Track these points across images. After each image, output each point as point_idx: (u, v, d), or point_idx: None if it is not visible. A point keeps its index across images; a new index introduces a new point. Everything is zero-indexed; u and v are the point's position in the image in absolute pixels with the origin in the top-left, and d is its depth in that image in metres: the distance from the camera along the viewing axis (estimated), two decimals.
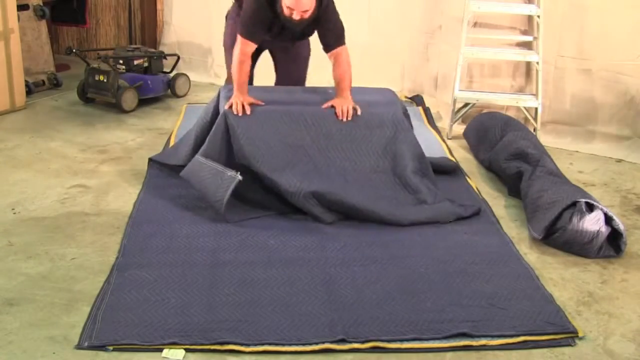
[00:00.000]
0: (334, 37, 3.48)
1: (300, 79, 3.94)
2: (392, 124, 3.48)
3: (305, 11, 3.25)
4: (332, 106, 3.46)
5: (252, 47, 3.44)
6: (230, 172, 3.15)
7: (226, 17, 3.91)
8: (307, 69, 3.96)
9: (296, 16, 3.25)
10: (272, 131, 3.36)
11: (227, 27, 3.85)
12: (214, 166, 3.22)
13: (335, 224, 3.17)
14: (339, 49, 3.49)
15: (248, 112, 3.35)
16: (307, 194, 3.17)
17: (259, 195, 3.31)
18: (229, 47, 3.75)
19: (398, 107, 3.61)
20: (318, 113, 3.45)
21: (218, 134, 3.36)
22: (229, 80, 3.82)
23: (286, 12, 3.26)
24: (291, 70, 3.90)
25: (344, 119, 3.42)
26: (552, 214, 3.03)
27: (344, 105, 3.44)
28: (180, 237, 3.00)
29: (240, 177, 3.12)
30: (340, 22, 3.50)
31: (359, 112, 3.45)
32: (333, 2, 3.44)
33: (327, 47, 3.51)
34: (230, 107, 3.35)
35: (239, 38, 3.44)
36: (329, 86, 3.95)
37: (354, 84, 3.55)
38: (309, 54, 3.90)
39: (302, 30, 3.44)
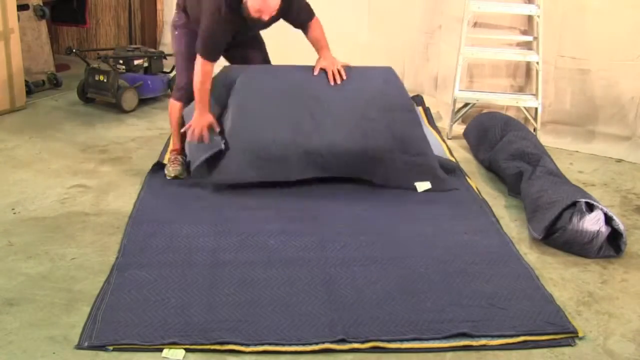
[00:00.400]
0: (306, 15, 3.59)
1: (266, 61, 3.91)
2: (382, 77, 3.70)
3: (274, 10, 3.28)
4: (322, 70, 3.58)
5: (212, 66, 3.41)
6: (217, 137, 3.37)
7: (172, 25, 3.74)
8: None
9: (265, 17, 3.26)
10: (271, 89, 3.56)
11: (177, 37, 3.69)
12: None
13: (335, 224, 3.17)
14: (312, 22, 3.60)
15: (206, 140, 3.41)
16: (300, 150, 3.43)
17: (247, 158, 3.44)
18: (182, 54, 3.64)
19: (392, 74, 3.81)
20: (313, 76, 3.62)
21: (219, 88, 3.52)
22: (177, 89, 3.72)
23: (255, 15, 3.25)
24: (256, 56, 3.83)
25: (338, 82, 3.56)
26: (552, 214, 3.03)
27: (333, 68, 3.56)
28: (180, 237, 3.00)
29: (223, 147, 3.34)
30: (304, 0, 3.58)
31: (345, 72, 3.61)
32: None
33: (302, 25, 3.61)
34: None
35: (199, 58, 3.37)
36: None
37: None
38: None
39: (270, 22, 3.45)
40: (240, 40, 3.63)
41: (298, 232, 3.08)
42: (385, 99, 3.63)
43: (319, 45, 3.63)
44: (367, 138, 3.50)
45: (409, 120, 3.67)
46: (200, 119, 3.44)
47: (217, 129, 3.47)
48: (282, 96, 3.56)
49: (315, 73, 3.60)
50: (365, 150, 3.49)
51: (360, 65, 3.79)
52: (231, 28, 3.37)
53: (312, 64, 3.67)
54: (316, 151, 3.45)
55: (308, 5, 3.60)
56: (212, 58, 3.40)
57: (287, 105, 3.54)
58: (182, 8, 3.66)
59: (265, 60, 3.87)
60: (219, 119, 3.55)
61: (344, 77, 3.59)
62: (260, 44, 3.84)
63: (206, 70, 3.39)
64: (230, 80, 3.58)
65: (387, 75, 3.77)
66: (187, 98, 3.64)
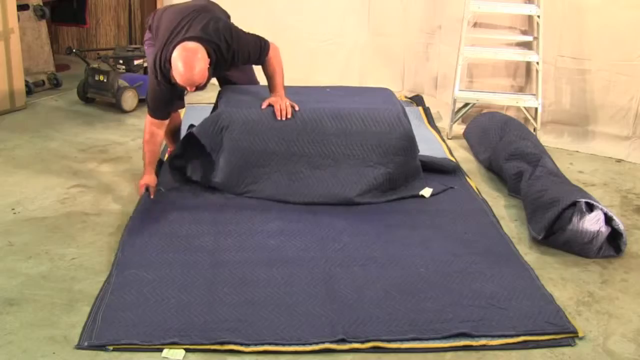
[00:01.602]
0: (257, 55, 3.36)
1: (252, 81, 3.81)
2: (387, 120, 3.49)
3: (199, 84, 3.13)
4: (270, 105, 3.42)
5: (162, 123, 3.34)
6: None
7: (144, 41, 3.69)
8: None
9: (191, 89, 3.14)
10: (268, 127, 3.40)
11: (148, 56, 3.57)
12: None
13: (335, 225, 3.17)
14: (267, 58, 3.39)
15: (152, 196, 3.32)
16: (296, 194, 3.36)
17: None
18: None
19: (396, 105, 3.63)
20: (314, 110, 3.46)
21: (210, 125, 3.43)
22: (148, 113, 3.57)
23: (181, 84, 3.12)
24: (239, 77, 3.73)
25: (283, 118, 3.38)
26: (552, 214, 3.03)
27: (281, 103, 3.40)
28: (180, 237, 3.00)
29: (162, 190, 3.38)
30: (252, 38, 3.34)
31: (296, 109, 3.43)
32: (231, 30, 3.27)
33: (253, 63, 3.49)
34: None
35: (147, 116, 3.33)
36: (326, 85, 3.96)
37: (353, 84, 3.57)
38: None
39: (223, 72, 3.45)
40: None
41: (298, 231, 3.08)
42: (390, 143, 3.47)
43: (272, 83, 3.44)
44: (363, 183, 3.42)
45: (410, 167, 3.56)
46: (144, 178, 3.35)
47: (152, 196, 3.34)
48: (278, 142, 3.40)
49: (264, 106, 3.42)
50: (361, 193, 3.41)
51: (366, 89, 3.68)
52: (170, 91, 3.27)
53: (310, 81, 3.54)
54: (311, 201, 3.38)
55: (259, 43, 3.35)
56: (157, 116, 3.32)
57: (284, 153, 3.42)
58: (149, 27, 3.58)
59: (251, 80, 3.77)
60: (211, 157, 3.46)
61: (289, 116, 3.39)
62: (247, 68, 3.72)
63: (152, 130, 3.31)
64: (221, 124, 3.42)
65: (394, 117, 3.52)
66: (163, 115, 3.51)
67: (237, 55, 3.29)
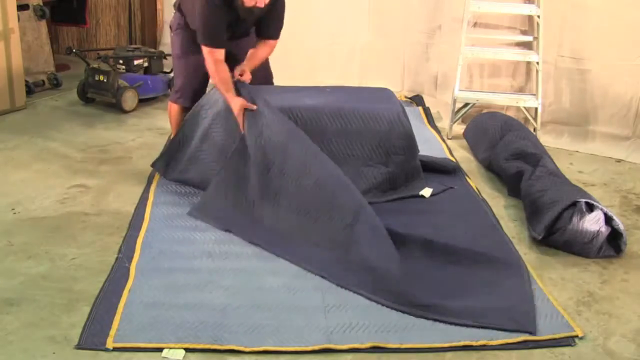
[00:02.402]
0: (276, 30, 3.51)
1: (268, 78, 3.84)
2: (387, 120, 3.48)
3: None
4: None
5: (221, 53, 3.33)
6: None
7: (170, 27, 3.73)
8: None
9: (260, 4, 3.22)
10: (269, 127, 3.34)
11: (172, 39, 3.69)
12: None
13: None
14: (273, 41, 3.53)
15: (254, 107, 3.27)
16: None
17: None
18: (177, 56, 3.65)
19: (395, 105, 3.62)
20: (314, 110, 3.44)
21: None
22: (174, 91, 3.70)
23: (248, 3, 3.21)
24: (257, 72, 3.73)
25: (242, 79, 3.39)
26: (552, 214, 3.03)
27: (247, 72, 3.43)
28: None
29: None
30: (283, 20, 3.52)
31: (247, 78, 3.42)
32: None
33: (266, 35, 3.53)
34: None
35: (205, 49, 3.32)
36: (326, 85, 3.95)
37: (353, 84, 3.56)
38: None
39: (255, 21, 3.44)
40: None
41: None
42: (390, 143, 3.47)
43: (252, 62, 3.50)
44: (363, 183, 3.40)
45: (410, 167, 3.55)
46: (234, 104, 3.30)
47: (254, 107, 3.28)
48: (281, 146, 3.22)
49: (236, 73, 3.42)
50: (361, 193, 3.25)
51: (366, 89, 3.64)
52: (224, 16, 3.30)
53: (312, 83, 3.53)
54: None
55: (281, 27, 3.52)
56: (216, 44, 3.33)
57: (286, 154, 3.25)
58: (177, 7, 3.65)
59: (267, 78, 3.79)
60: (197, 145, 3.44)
61: (247, 81, 3.41)
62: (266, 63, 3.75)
63: (215, 58, 3.32)
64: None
65: (394, 117, 3.50)
66: (185, 100, 3.63)
67: (275, 9, 3.38)
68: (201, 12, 3.30)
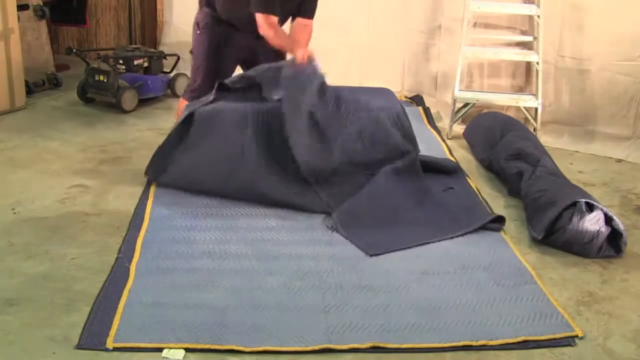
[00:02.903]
0: (312, 10, 3.68)
1: None
2: (388, 120, 3.48)
3: None
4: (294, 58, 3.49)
5: (274, 19, 3.46)
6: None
7: (195, 23, 3.74)
8: None
9: None
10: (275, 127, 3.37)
11: (199, 37, 3.70)
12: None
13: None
14: (309, 21, 3.70)
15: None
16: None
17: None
18: (204, 55, 3.67)
19: (396, 105, 3.63)
20: (314, 109, 3.42)
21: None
22: (190, 90, 3.76)
23: None
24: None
25: (304, 60, 3.44)
26: (552, 214, 3.03)
27: (303, 52, 3.46)
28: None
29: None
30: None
31: (315, 60, 3.48)
32: None
33: (304, 15, 3.65)
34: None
35: (260, 17, 3.43)
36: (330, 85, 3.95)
37: (353, 84, 3.56)
38: None
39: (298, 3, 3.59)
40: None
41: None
42: (390, 141, 3.47)
43: (297, 44, 3.54)
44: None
45: (410, 166, 3.54)
46: (298, 54, 3.42)
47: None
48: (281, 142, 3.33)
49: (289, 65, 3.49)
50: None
51: (366, 89, 3.72)
52: None
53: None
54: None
55: (316, 8, 3.69)
56: (270, 10, 3.44)
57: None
58: (205, 3, 3.67)
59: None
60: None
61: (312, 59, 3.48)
62: None
63: (271, 22, 3.44)
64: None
65: (395, 117, 3.52)
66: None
67: None
68: None
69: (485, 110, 4.73)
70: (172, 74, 5.38)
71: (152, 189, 3.51)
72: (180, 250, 2.89)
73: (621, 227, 2.98)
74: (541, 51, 4.50)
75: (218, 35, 3.60)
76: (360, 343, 2.30)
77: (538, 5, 4.48)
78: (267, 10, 3.43)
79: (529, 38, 4.69)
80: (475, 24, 4.78)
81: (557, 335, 2.39)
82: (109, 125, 4.63)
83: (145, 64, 5.21)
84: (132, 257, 2.81)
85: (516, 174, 3.61)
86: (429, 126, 4.77)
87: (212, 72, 3.64)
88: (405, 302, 2.55)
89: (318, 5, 3.72)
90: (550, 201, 3.12)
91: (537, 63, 4.52)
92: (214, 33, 3.62)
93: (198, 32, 3.70)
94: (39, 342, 2.27)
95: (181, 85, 5.34)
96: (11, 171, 3.74)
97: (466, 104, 4.79)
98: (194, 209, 3.28)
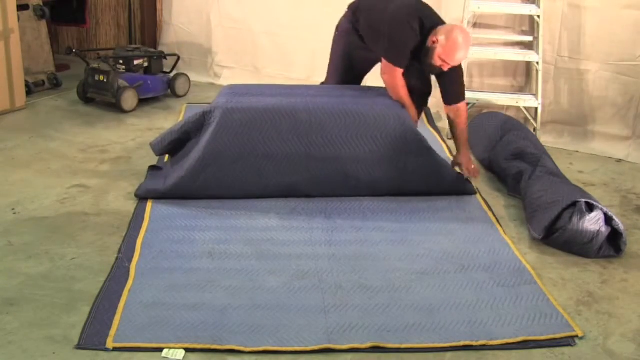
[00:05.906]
0: (459, 93, 3.63)
1: None
2: (393, 118, 3.48)
3: (458, 63, 3.45)
4: (459, 164, 3.61)
5: (400, 72, 3.52)
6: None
7: (339, 26, 3.85)
8: None
9: (445, 68, 3.40)
10: (268, 127, 3.40)
11: (337, 38, 3.85)
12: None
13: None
14: (461, 104, 3.65)
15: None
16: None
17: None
18: (336, 56, 3.83)
19: (396, 104, 3.61)
20: (315, 109, 3.43)
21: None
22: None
23: (437, 63, 3.41)
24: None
25: (475, 177, 3.61)
26: (552, 214, 3.03)
27: (470, 165, 3.59)
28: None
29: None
30: (463, 77, 3.64)
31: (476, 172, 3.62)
32: None
33: (451, 99, 3.63)
34: None
35: (387, 65, 3.50)
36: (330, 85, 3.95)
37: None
38: None
39: (427, 77, 3.68)
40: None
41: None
42: (400, 140, 3.48)
43: (460, 139, 3.66)
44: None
45: (423, 162, 3.54)
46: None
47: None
48: (280, 142, 3.39)
49: (454, 167, 3.65)
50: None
51: (366, 90, 3.80)
52: (412, 42, 3.45)
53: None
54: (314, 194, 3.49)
55: (463, 87, 3.66)
56: (399, 64, 3.49)
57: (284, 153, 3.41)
58: (353, 9, 3.76)
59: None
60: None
61: (477, 175, 3.62)
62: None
63: (396, 75, 3.52)
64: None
65: (395, 117, 3.52)
66: None
67: (458, 69, 3.56)
68: (394, 31, 3.45)
69: (485, 110, 4.73)
70: (172, 74, 5.38)
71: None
72: (180, 250, 2.89)
73: (621, 227, 2.99)
74: (541, 51, 4.51)
75: (353, 43, 3.73)
76: (360, 343, 2.31)
77: (538, 5, 4.48)
78: (397, 63, 3.50)
79: (529, 38, 4.69)
80: (475, 24, 4.78)
81: (557, 335, 2.40)
82: (109, 125, 4.63)
83: (145, 64, 5.21)
84: (132, 257, 2.82)
85: (516, 174, 3.61)
86: (429, 126, 4.76)
87: (342, 75, 3.84)
88: (405, 302, 2.55)
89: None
90: (550, 201, 3.12)
91: (537, 63, 4.52)
92: (351, 40, 3.74)
93: (337, 32, 3.84)
94: (39, 342, 2.27)
95: (181, 86, 5.35)
96: (11, 171, 3.74)
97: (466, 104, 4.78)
98: (194, 209, 3.28)
